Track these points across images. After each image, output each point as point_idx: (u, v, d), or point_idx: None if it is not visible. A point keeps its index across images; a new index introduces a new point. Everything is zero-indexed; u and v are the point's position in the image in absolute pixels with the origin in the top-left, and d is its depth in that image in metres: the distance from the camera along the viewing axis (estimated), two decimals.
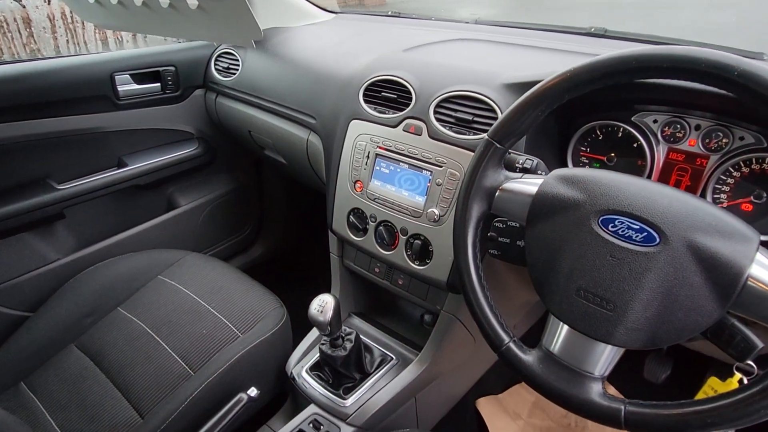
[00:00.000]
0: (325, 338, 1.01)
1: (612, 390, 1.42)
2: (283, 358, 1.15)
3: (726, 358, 0.98)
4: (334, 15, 1.70)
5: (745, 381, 0.71)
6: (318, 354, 1.08)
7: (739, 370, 0.70)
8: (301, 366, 1.11)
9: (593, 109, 0.89)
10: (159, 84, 1.48)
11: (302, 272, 1.97)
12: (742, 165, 0.78)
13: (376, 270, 1.12)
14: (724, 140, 0.80)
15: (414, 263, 1.00)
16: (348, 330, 1.03)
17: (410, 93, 1.00)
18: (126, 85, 1.42)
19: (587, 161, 0.93)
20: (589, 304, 0.61)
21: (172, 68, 1.48)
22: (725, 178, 0.80)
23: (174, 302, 1.21)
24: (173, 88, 1.51)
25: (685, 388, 1.14)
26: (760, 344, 0.66)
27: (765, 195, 0.77)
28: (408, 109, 1.00)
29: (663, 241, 0.56)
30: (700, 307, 0.55)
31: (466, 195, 0.72)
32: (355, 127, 1.07)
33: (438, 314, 1.06)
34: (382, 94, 1.04)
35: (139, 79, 1.44)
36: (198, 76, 1.56)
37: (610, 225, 0.60)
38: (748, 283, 0.53)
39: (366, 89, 1.08)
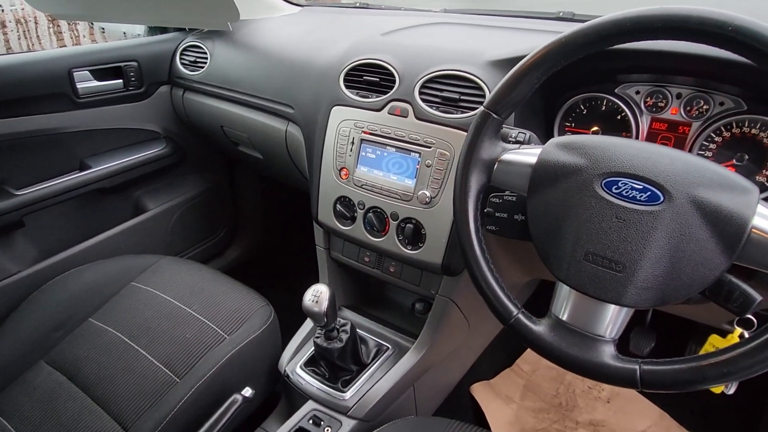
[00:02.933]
0: (319, 331, 0.98)
1: None
2: (274, 357, 1.11)
3: (708, 321, 1.02)
4: (300, 8, 1.66)
5: (746, 334, 0.73)
6: (312, 349, 1.05)
7: (739, 324, 0.72)
8: (294, 362, 1.07)
9: (577, 82, 0.90)
10: (121, 80, 1.40)
11: (283, 271, 1.92)
12: (723, 130, 0.81)
13: (366, 259, 1.10)
14: (704, 106, 0.82)
15: (406, 248, 0.99)
16: (343, 321, 1.00)
17: (393, 75, 0.99)
18: (85, 82, 1.33)
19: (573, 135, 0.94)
20: (598, 267, 0.60)
21: (135, 63, 1.41)
22: (708, 144, 0.82)
23: (151, 308, 1.14)
24: (136, 85, 1.44)
25: (670, 357, 1.17)
26: (759, 297, 0.68)
27: (746, 157, 0.80)
28: (392, 92, 0.98)
29: (667, 198, 0.57)
30: (707, 260, 0.56)
31: (465, 168, 0.71)
32: (338, 114, 1.05)
33: (432, 300, 1.04)
34: (364, 78, 1.02)
35: (99, 75, 1.36)
36: (163, 71, 1.49)
37: (614, 187, 0.60)
38: (752, 233, 0.54)
39: (347, 74, 1.06)
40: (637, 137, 0.87)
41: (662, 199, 0.57)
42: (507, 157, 0.71)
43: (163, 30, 1.55)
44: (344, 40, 1.14)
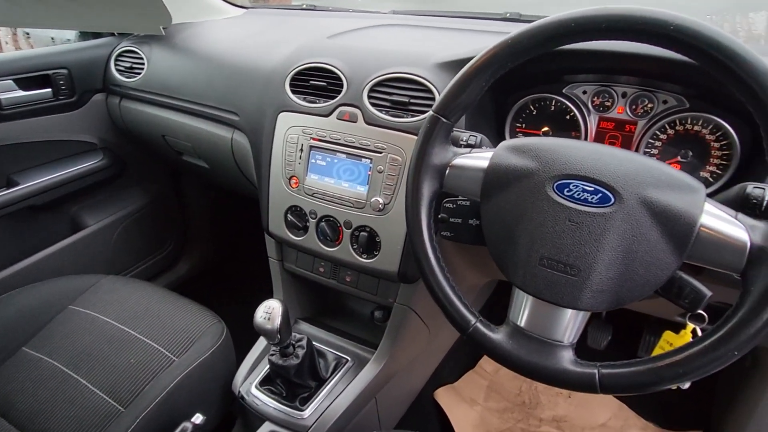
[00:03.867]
0: (274, 348, 0.93)
1: None
2: (228, 377, 1.05)
3: (662, 313, 1.03)
4: (244, 10, 1.60)
5: (698, 330, 0.74)
6: (267, 367, 1.00)
7: (691, 319, 0.73)
8: (249, 383, 1.02)
9: (526, 84, 0.90)
10: (50, 89, 1.30)
11: (237, 284, 1.84)
12: (668, 127, 0.82)
13: (321, 269, 1.06)
14: (649, 105, 0.83)
15: (361, 257, 0.96)
16: (298, 336, 0.96)
17: (341, 79, 0.96)
18: (9, 92, 1.23)
19: (523, 136, 0.94)
20: (553, 272, 0.59)
21: (65, 71, 1.32)
22: (653, 142, 0.84)
23: (92, 333, 1.06)
24: (68, 94, 1.34)
25: (627, 349, 1.19)
26: (709, 293, 0.69)
27: (690, 154, 0.82)
28: (340, 96, 0.95)
29: (618, 200, 0.57)
30: (659, 260, 0.56)
31: (416, 174, 0.69)
32: (285, 120, 1.00)
33: (390, 308, 1.02)
34: (311, 82, 0.99)
35: (25, 84, 1.26)
36: (96, 79, 1.40)
37: (566, 190, 0.59)
38: (701, 232, 0.55)
39: (293, 79, 1.02)
40: (586, 137, 0.88)
41: (613, 200, 0.57)
42: (458, 161, 0.69)
43: (96, 35, 1.46)
44: (290, 44, 1.10)
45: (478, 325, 0.66)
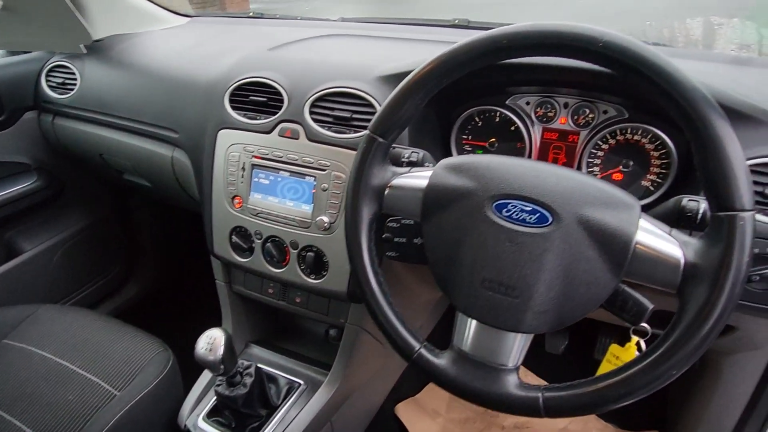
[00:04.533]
0: (220, 378, 0.89)
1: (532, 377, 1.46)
2: (174, 409, 1.00)
3: (614, 320, 1.04)
4: (188, 19, 1.54)
5: (642, 343, 0.74)
6: (215, 397, 0.95)
7: (635, 333, 0.73)
8: (196, 415, 0.97)
9: (469, 96, 0.89)
10: None
11: (189, 307, 1.76)
12: (609, 137, 0.82)
13: (270, 291, 1.02)
14: (590, 115, 0.83)
15: (309, 278, 0.92)
16: (246, 363, 0.92)
17: (281, 94, 0.92)
18: None
19: (471, 149, 0.92)
20: (494, 294, 0.58)
21: None
22: (596, 152, 0.84)
23: (27, 369, 0.99)
24: None
25: (583, 353, 1.19)
26: (650, 305, 0.69)
27: (631, 163, 0.82)
28: (281, 112, 0.91)
29: (555, 219, 0.56)
30: (598, 279, 0.55)
31: (354, 197, 0.66)
32: (225, 137, 0.96)
33: (343, 328, 0.99)
34: (251, 98, 0.95)
35: None
36: (26, 96, 1.31)
37: (504, 210, 0.58)
38: (637, 249, 0.54)
39: (232, 94, 0.97)
40: (530, 148, 0.87)
41: (551, 220, 0.56)
42: (397, 182, 0.67)
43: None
44: (229, 56, 1.05)
45: (423, 351, 0.64)
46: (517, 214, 0.57)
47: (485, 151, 0.91)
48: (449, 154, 0.93)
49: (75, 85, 1.25)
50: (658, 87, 0.51)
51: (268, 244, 0.94)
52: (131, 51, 1.25)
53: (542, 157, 0.88)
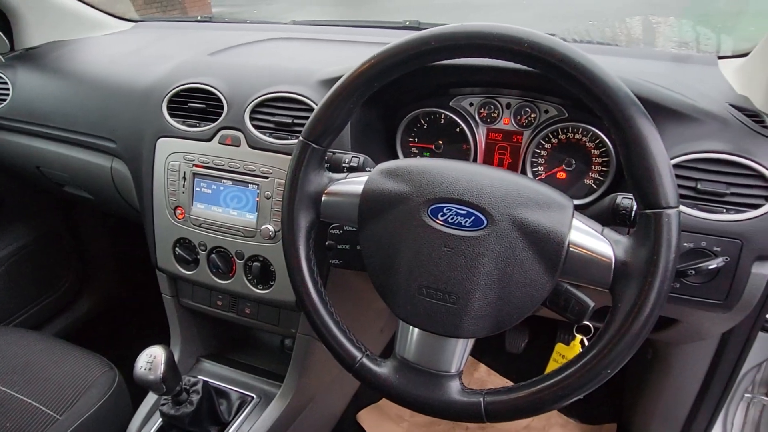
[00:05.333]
0: (165, 398, 0.85)
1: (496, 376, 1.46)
2: (120, 430, 0.96)
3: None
4: (132, 24, 1.49)
5: (585, 340, 0.75)
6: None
7: (578, 331, 0.73)
8: None
9: (413, 97, 0.88)
10: None
11: (143, 322, 1.69)
12: (551, 137, 0.83)
13: (219, 303, 0.99)
14: (532, 115, 0.83)
15: (257, 288, 0.90)
16: (192, 380, 0.88)
17: (221, 101, 0.89)
18: None
19: (417, 151, 0.92)
20: (432, 300, 0.57)
21: None
22: (539, 151, 0.84)
23: None
24: None
25: (543, 350, 1.20)
26: (591, 303, 0.69)
27: (574, 162, 0.82)
28: (221, 119, 0.89)
29: (490, 222, 0.55)
30: (534, 281, 0.55)
31: (290, 206, 0.64)
32: (164, 146, 0.93)
33: (295, 338, 0.97)
34: (189, 105, 0.92)
35: None
36: None
37: (439, 214, 0.57)
38: (570, 249, 0.54)
39: (170, 101, 0.94)
40: (475, 149, 0.87)
41: (486, 223, 0.55)
42: (334, 188, 0.65)
43: None
44: (167, 61, 1.02)
45: (364, 360, 0.63)
46: (452, 218, 0.57)
47: (432, 153, 0.91)
48: (395, 157, 0.92)
49: (7, 95, 1.18)
50: (583, 86, 0.51)
51: (213, 256, 0.91)
52: (67, 58, 1.20)
53: (488, 157, 0.88)
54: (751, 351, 0.92)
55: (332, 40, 1.13)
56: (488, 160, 0.88)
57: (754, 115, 0.73)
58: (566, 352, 0.74)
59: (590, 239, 0.54)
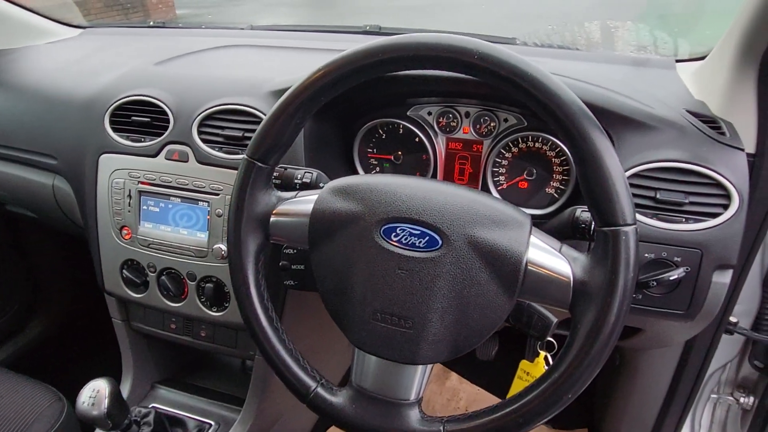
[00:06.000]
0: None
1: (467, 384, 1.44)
2: None
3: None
4: (80, 30, 1.42)
5: (549, 357, 0.73)
6: None
7: (542, 347, 0.71)
8: None
9: (370, 108, 0.85)
10: None
11: (99, 346, 1.56)
12: (512, 146, 0.81)
13: (172, 326, 0.94)
14: (492, 124, 0.81)
15: (211, 310, 0.86)
16: (144, 410, 0.83)
17: (166, 114, 0.84)
18: None
19: (376, 162, 0.89)
20: (388, 326, 0.54)
21: None
22: (500, 161, 0.82)
23: None
24: None
25: (514, 356, 1.18)
26: (554, 319, 0.67)
27: (535, 172, 0.81)
28: (167, 133, 0.84)
29: (445, 242, 0.52)
30: (492, 303, 0.53)
31: (236, 228, 0.60)
32: (107, 163, 0.87)
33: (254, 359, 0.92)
34: (133, 118, 0.86)
35: None
36: None
37: (393, 234, 0.54)
38: (529, 268, 0.52)
39: (112, 114, 0.89)
40: (435, 159, 0.84)
41: (441, 243, 0.53)
42: (283, 208, 0.61)
43: None
44: (111, 71, 0.96)
45: (319, 389, 0.59)
46: (406, 239, 0.54)
47: (391, 164, 0.88)
48: (354, 170, 0.89)
49: None
50: (536, 100, 0.49)
51: (163, 277, 0.86)
52: (5, 69, 1.12)
53: (449, 167, 0.85)
54: (716, 352, 0.92)
55: (288, 47, 1.09)
56: (449, 170, 0.85)
57: (710, 121, 0.72)
58: (531, 369, 0.72)
59: (548, 257, 0.52)
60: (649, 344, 0.92)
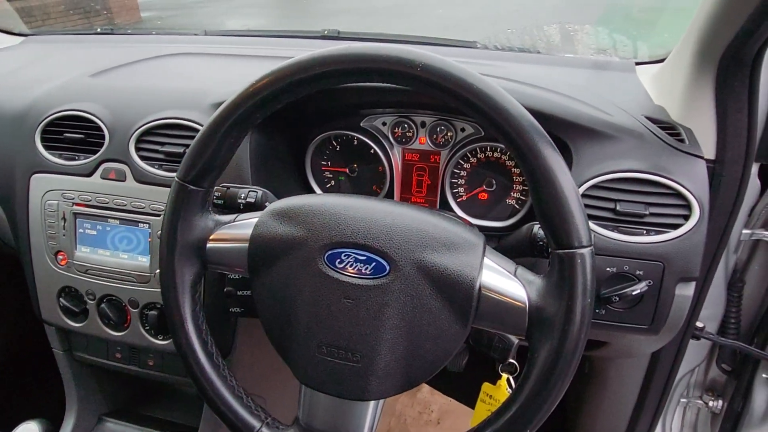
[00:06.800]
0: None
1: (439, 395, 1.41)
2: None
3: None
4: (22, 38, 1.33)
5: (512, 380, 0.70)
6: None
7: (504, 369, 0.68)
8: None
9: (321, 119, 0.81)
10: None
11: (42, 378, 1.37)
12: (470, 156, 0.78)
13: (118, 355, 0.88)
14: (448, 134, 0.78)
15: (157, 339, 0.80)
16: None
17: (101, 130, 0.79)
18: None
19: (331, 176, 0.84)
20: (334, 360, 0.50)
21: None
22: (458, 171, 0.79)
23: None
24: None
25: (485, 367, 1.16)
26: (515, 341, 0.64)
27: (495, 182, 0.78)
28: (102, 151, 0.78)
29: (393, 268, 0.48)
30: (445, 331, 0.49)
31: (168, 257, 0.55)
32: (39, 183, 0.81)
33: None
34: (66, 135, 0.80)
35: None
36: None
37: (337, 261, 0.50)
38: (482, 293, 0.48)
39: (43, 131, 0.82)
40: (391, 171, 0.81)
41: (388, 269, 0.49)
42: (220, 233, 0.56)
43: None
44: (45, 84, 0.89)
45: (264, 430, 0.55)
46: (352, 265, 0.50)
47: (347, 177, 0.84)
48: (307, 184, 0.84)
49: None
50: (483, 114, 0.46)
51: (104, 305, 0.80)
52: None
53: (406, 179, 0.82)
54: (684, 357, 0.91)
55: (240, 54, 1.04)
56: (406, 182, 0.82)
57: (670, 128, 0.70)
58: (493, 392, 0.69)
59: (503, 281, 0.49)
60: (616, 355, 0.90)
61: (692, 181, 0.64)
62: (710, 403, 1.07)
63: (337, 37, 1.15)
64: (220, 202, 0.65)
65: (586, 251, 0.45)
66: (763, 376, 0.94)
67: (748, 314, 0.97)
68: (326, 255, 0.50)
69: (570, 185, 0.44)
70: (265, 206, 0.63)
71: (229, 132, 0.53)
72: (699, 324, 0.88)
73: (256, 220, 0.55)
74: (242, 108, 0.52)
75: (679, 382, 1.08)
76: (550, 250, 0.47)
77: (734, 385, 1.03)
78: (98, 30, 1.37)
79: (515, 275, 0.49)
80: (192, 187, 0.54)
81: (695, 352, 1.03)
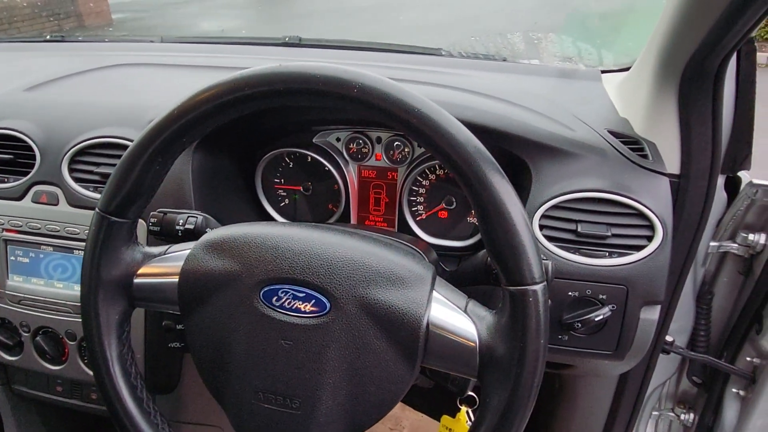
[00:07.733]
0: None
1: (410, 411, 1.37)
2: None
3: None
4: None
5: (470, 413, 0.66)
6: None
7: (462, 402, 0.64)
8: None
9: (271, 136, 0.76)
10: None
11: None
12: (428, 173, 0.74)
13: (59, 389, 0.82)
14: (405, 150, 0.74)
15: None
16: None
17: (32, 149, 0.73)
18: None
19: (285, 194, 0.80)
20: (272, 407, 0.46)
21: None
22: (417, 189, 0.75)
23: None
24: None
25: (455, 382, 1.12)
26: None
27: (454, 200, 0.74)
28: (33, 172, 0.72)
29: (334, 306, 0.45)
30: (391, 373, 0.45)
31: (89, 296, 0.50)
32: None
33: None
34: None
35: None
36: None
37: (274, 298, 0.46)
38: (431, 331, 0.44)
39: None
40: (346, 189, 0.77)
41: (329, 306, 0.45)
42: (148, 268, 0.52)
43: None
44: None
45: None
46: (289, 303, 0.46)
47: (301, 195, 0.80)
48: (259, 205, 0.80)
49: None
50: (424, 138, 0.42)
51: (39, 338, 0.74)
52: None
53: (363, 197, 0.78)
54: (654, 371, 0.89)
55: (191, 65, 0.98)
56: (363, 200, 0.78)
57: (633, 142, 0.68)
58: (452, 425, 0.65)
59: (453, 316, 0.45)
60: (583, 374, 0.87)
61: (655, 200, 0.61)
62: (682, 416, 1.06)
63: (298, 44, 1.10)
64: (156, 229, 0.61)
65: (538, 288, 0.41)
66: (733, 390, 0.92)
67: (718, 326, 0.95)
68: (262, 292, 0.46)
69: (520, 217, 0.41)
70: (207, 231, 0.58)
71: (153, 158, 0.48)
72: (668, 338, 0.86)
73: (188, 252, 0.50)
74: (166, 132, 0.47)
75: (651, 395, 1.06)
76: (501, 285, 0.43)
77: (705, 397, 1.01)
78: (47, 37, 1.30)
79: (465, 311, 0.46)
80: (114, 218, 0.50)
81: (666, 364, 1.02)
